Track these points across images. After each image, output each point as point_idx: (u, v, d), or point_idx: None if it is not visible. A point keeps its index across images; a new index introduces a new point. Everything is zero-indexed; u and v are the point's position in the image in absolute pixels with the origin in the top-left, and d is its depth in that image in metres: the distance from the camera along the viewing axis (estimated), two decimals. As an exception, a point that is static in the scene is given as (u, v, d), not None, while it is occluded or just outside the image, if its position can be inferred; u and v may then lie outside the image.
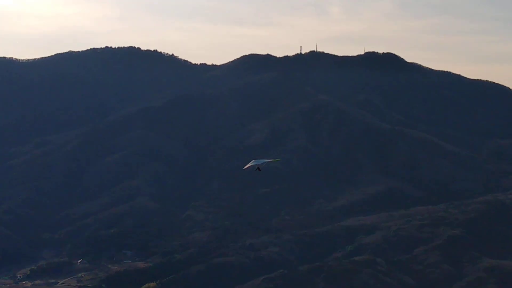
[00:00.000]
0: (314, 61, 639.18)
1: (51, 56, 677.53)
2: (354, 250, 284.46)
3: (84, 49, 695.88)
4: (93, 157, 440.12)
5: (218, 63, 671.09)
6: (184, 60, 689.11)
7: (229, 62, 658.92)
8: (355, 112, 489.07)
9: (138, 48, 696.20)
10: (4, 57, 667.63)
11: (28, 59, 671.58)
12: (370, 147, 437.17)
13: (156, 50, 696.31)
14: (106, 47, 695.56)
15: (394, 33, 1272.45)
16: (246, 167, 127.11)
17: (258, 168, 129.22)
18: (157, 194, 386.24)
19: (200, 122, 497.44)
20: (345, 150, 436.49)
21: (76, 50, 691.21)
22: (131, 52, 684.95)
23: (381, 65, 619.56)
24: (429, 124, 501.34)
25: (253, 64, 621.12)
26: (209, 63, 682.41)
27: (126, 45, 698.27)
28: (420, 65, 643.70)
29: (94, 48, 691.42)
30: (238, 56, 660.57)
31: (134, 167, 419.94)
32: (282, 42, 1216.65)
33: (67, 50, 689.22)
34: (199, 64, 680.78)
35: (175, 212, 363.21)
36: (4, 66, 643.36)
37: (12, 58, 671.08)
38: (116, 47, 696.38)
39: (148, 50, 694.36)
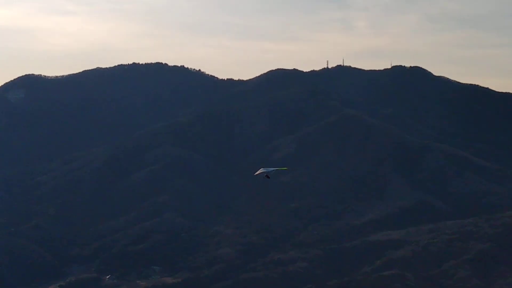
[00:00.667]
0: (341, 75, 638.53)
1: (79, 73, 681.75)
2: (383, 265, 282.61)
3: (111, 65, 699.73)
4: (120, 173, 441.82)
5: (245, 78, 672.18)
6: (211, 75, 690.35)
7: (256, 77, 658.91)
8: (383, 126, 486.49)
9: (165, 64, 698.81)
10: (33, 74, 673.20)
11: (57, 76, 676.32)
12: (398, 161, 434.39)
13: (183, 65, 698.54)
14: (134, 63, 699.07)
15: (421, 47, 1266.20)
16: (256, 173, 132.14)
17: (267, 176, 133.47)
18: (185, 210, 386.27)
19: (227, 137, 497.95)
20: (373, 164, 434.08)
21: (103, 66, 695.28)
22: (159, 68, 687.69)
23: (408, 79, 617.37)
24: (457, 138, 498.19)
25: (280, 79, 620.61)
26: (236, 78, 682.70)
27: (154, 61, 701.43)
28: (448, 78, 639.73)
29: (121, 65, 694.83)
30: (265, 71, 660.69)
31: (161, 183, 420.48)
32: (309, 57, 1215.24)
33: (95, 67, 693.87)
34: (226, 79, 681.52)
35: (203, 227, 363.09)
36: (33, 83, 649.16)
37: (41, 75, 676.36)
38: (144, 63, 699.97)
39: (175, 66, 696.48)
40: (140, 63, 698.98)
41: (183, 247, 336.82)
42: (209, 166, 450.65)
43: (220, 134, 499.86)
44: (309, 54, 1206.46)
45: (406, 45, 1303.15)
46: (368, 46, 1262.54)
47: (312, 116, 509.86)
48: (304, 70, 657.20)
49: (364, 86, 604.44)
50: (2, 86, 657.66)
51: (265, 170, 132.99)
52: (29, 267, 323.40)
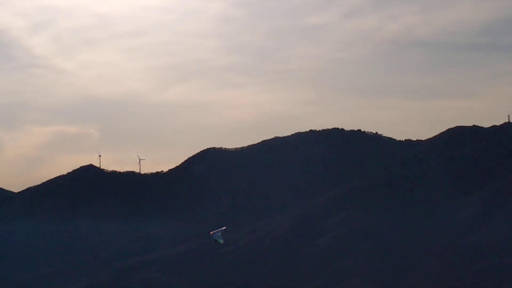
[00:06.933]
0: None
1: (259, 143, 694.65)
2: None
3: (289, 134, 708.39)
4: (304, 240, 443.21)
5: (423, 138, 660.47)
6: (388, 137, 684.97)
7: (435, 136, 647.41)
8: None
9: (341, 129, 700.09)
10: (214, 147, 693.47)
11: (236, 148, 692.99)
12: None
13: (360, 129, 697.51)
14: (311, 130, 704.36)
15: None
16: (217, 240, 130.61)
17: (216, 240, 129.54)
18: (370, 274, 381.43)
19: (409, 198, 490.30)
20: None
21: (281, 135, 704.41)
22: (335, 133, 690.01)
23: None
24: None
25: (459, 137, 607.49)
26: (414, 138, 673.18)
27: (330, 127, 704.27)
28: None
29: (298, 133, 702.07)
30: (443, 130, 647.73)
31: (345, 248, 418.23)
32: (487, 112, 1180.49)
33: (273, 136, 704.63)
34: (404, 140, 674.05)
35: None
36: (215, 155, 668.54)
37: (221, 147, 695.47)
38: (320, 129, 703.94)
39: (352, 130, 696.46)
40: (317, 129, 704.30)
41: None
42: (392, 229, 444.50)
43: (401, 196, 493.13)
44: (487, 109, 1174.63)
45: None
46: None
47: (497, 173, 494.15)
48: (485, 126, 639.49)
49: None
50: (186, 160, 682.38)
51: (214, 236, 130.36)
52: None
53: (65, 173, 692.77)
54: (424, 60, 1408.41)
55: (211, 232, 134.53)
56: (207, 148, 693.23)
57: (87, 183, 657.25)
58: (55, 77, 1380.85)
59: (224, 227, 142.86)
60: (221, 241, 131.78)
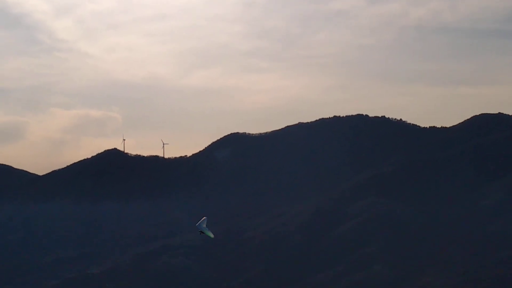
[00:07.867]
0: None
1: (282, 128, 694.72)
2: None
3: (312, 119, 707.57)
4: (327, 226, 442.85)
5: (448, 125, 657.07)
6: (412, 124, 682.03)
7: (460, 123, 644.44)
8: None
9: (366, 115, 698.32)
10: (237, 132, 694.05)
11: (260, 133, 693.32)
12: None
13: (384, 116, 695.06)
14: (335, 116, 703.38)
15: None
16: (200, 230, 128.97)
17: (201, 232, 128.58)
18: (392, 261, 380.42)
19: (433, 186, 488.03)
20: None
21: (305, 121, 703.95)
22: (359, 120, 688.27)
23: None
24: None
25: (485, 124, 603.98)
26: (438, 125, 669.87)
27: (354, 113, 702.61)
28: None
29: (322, 119, 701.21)
30: (468, 117, 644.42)
31: (368, 235, 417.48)
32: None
33: (296, 122, 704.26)
34: (428, 127, 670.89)
35: (411, 279, 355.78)
36: (238, 140, 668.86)
37: (245, 133, 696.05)
38: (344, 115, 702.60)
39: (376, 117, 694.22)
40: (341, 115, 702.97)
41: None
42: (415, 216, 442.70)
43: (425, 183, 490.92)
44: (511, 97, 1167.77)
45: None
46: None
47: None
48: (510, 114, 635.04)
49: None
50: (209, 145, 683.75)
51: (199, 227, 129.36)
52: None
53: (89, 156, 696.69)
54: (450, 47, 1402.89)
55: (196, 224, 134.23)
56: (231, 133, 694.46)
57: (111, 167, 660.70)
58: (79, 60, 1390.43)
59: (205, 217, 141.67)
60: (211, 235, 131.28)
